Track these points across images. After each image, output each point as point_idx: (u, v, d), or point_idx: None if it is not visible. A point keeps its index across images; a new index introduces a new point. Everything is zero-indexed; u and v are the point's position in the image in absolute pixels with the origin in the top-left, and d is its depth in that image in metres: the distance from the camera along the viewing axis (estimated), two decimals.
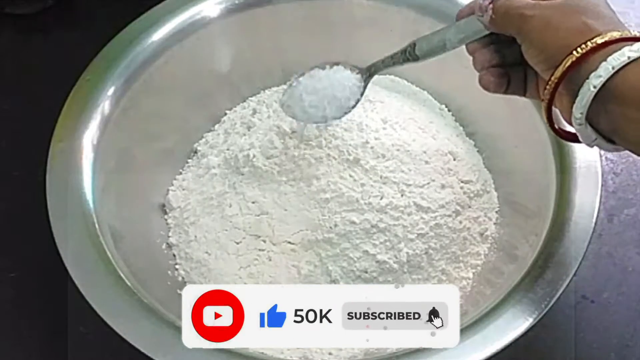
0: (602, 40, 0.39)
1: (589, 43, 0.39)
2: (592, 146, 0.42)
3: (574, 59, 0.39)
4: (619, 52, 0.38)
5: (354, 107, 0.54)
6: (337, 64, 0.55)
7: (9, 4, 0.72)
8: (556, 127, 0.43)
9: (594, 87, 0.39)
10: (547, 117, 0.43)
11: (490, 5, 0.43)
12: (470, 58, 0.61)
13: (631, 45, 0.38)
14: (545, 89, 0.41)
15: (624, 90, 0.38)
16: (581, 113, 0.40)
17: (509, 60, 0.47)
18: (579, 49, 0.39)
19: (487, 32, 0.45)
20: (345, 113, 0.54)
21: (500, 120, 0.60)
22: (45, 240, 0.49)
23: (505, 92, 0.47)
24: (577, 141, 0.43)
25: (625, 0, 0.75)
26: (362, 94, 0.54)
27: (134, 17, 0.60)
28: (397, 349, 0.50)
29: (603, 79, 0.38)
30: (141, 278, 0.50)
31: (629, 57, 0.38)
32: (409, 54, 0.50)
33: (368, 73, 0.54)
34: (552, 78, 0.41)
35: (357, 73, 0.54)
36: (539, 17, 0.41)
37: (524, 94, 0.47)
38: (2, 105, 0.67)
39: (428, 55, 0.49)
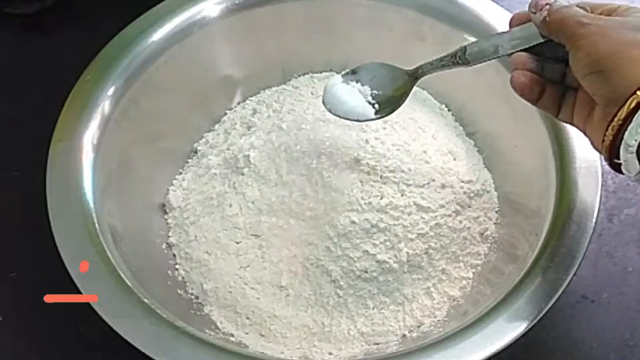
0: None
1: None
2: (634, 179, 0.41)
3: (638, 99, 0.39)
4: None
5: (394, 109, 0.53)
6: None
7: (9, 4, 0.72)
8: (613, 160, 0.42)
9: None
10: (609, 154, 0.42)
11: (547, 6, 0.43)
12: None
13: None
14: (608, 128, 0.41)
15: None
16: (635, 140, 0.39)
17: (547, 75, 0.47)
18: None
19: (541, 40, 0.45)
20: (383, 115, 0.53)
21: (500, 120, 0.60)
22: (45, 240, 0.49)
23: (536, 104, 0.47)
24: (620, 172, 0.42)
25: (626, 0, 0.75)
26: (406, 96, 0.53)
27: (134, 17, 0.60)
28: (397, 349, 0.50)
29: None
30: (141, 278, 0.50)
31: None
32: (459, 58, 0.49)
33: (415, 76, 0.52)
34: (616, 119, 0.40)
35: (406, 74, 0.52)
36: (596, 26, 0.41)
37: (556, 114, 0.47)
38: (2, 105, 0.67)
39: (478, 60, 0.49)
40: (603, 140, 0.42)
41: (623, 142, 0.40)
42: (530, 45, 0.46)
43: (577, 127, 0.46)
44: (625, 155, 0.41)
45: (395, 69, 0.53)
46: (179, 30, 0.60)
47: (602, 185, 0.51)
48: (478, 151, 0.62)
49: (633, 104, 0.39)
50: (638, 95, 0.39)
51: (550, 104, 0.47)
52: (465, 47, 0.49)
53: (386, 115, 0.53)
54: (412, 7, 0.61)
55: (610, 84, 0.41)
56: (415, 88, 0.64)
